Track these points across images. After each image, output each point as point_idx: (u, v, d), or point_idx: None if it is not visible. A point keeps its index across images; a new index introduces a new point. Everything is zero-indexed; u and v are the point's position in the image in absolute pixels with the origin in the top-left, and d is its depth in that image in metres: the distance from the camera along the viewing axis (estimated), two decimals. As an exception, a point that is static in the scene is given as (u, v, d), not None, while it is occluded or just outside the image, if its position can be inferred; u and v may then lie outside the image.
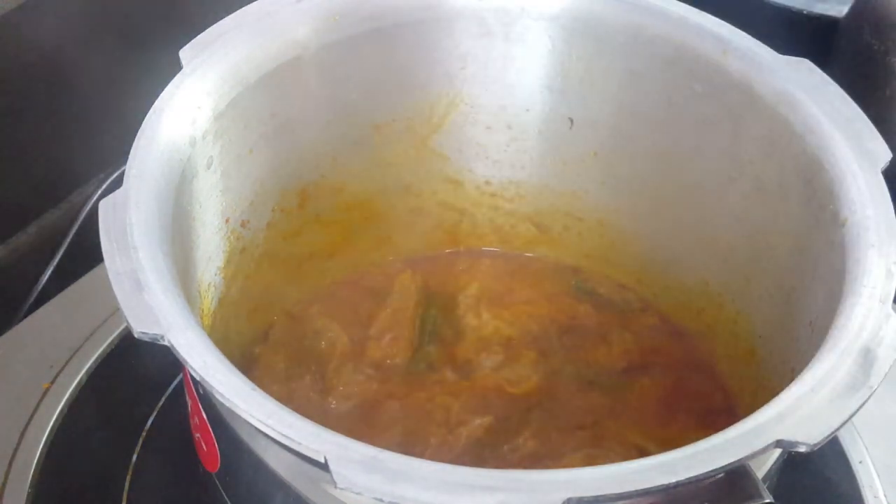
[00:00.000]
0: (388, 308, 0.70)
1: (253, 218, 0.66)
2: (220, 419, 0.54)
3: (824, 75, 0.61)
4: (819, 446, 0.46)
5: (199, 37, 0.60)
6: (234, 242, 0.65)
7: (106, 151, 0.89)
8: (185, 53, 0.59)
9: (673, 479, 0.44)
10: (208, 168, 0.60)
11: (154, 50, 0.68)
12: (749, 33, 0.63)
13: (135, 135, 0.55)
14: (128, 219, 0.51)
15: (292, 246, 0.70)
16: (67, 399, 0.73)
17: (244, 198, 0.65)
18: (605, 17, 0.65)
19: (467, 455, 0.63)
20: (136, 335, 0.47)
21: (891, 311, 0.51)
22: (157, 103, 0.57)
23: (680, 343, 0.70)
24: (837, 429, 0.46)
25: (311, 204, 0.69)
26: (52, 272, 0.87)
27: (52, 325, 0.78)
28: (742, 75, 0.62)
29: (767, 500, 0.46)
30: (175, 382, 0.73)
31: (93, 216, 0.52)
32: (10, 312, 0.84)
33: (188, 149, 0.57)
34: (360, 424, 0.64)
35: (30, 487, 0.69)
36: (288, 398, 0.64)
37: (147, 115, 0.56)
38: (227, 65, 0.60)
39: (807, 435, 0.46)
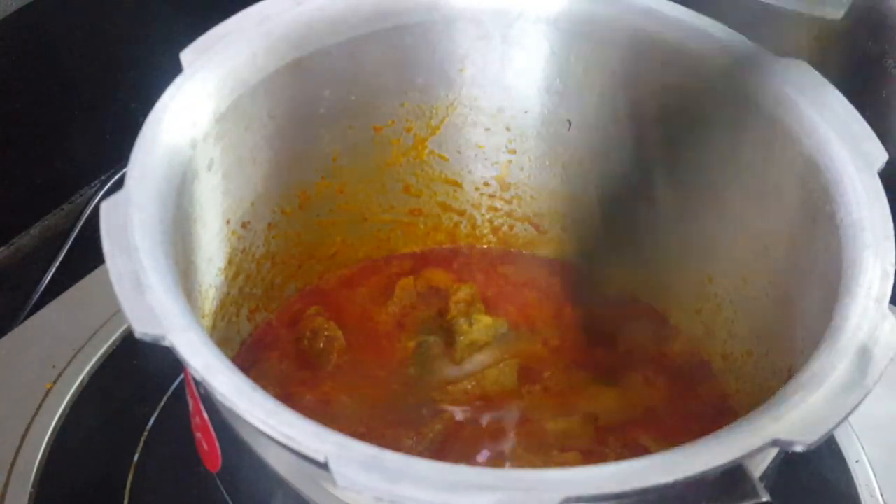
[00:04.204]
0: (388, 309, 0.71)
1: (253, 219, 0.66)
2: (220, 419, 0.54)
3: (821, 77, 0.61)
4: (815, 445, 0.46)
5: (199, 39, 0.60)
6: (235, 243, 0.65)
7: (107, 153, 0.89)
8: (185, 56, 0.59)
9: (670, 479, 0.44)
10: (209, 170, 0.60)
11: (155, 52, 0.68)
12: (746, 35, 0.63)
13: (136, 137, 0.55)
14: (129, 220, 0.51)
15: (292, 246, 0.70)
16: (70, 399, 0.73)
17: (245, 199, 0.65)
18: (603, 20, 0.65)
19: (464, 453, 0.63)
20: (137, 336, 0.47)
21: (887, 311, 0.51)
22: (157, 105, 0.57)
23: (678, 343, 0.70)
24: (833, 428, 0.47)
25: (312, 205, 0.70)
26: (55, 273, 0.87)
27: (54, 325, 0.78)
28: (739, 77, 0.62)
29: (764, 500, 0.46)
30: (176, 382, 0.73)
31: (94, 217, 0.52)
32: (12, 313, 0.84)
33: (189, 151, 0.57)
34: (359, 424, 0.64)
35: (32, 487, 0.69)
36: (288, 398, 0.64)
37: (148, 117, 0.56)
38: (228, 67, 0.60)
39: (803, 434, 0.46)
